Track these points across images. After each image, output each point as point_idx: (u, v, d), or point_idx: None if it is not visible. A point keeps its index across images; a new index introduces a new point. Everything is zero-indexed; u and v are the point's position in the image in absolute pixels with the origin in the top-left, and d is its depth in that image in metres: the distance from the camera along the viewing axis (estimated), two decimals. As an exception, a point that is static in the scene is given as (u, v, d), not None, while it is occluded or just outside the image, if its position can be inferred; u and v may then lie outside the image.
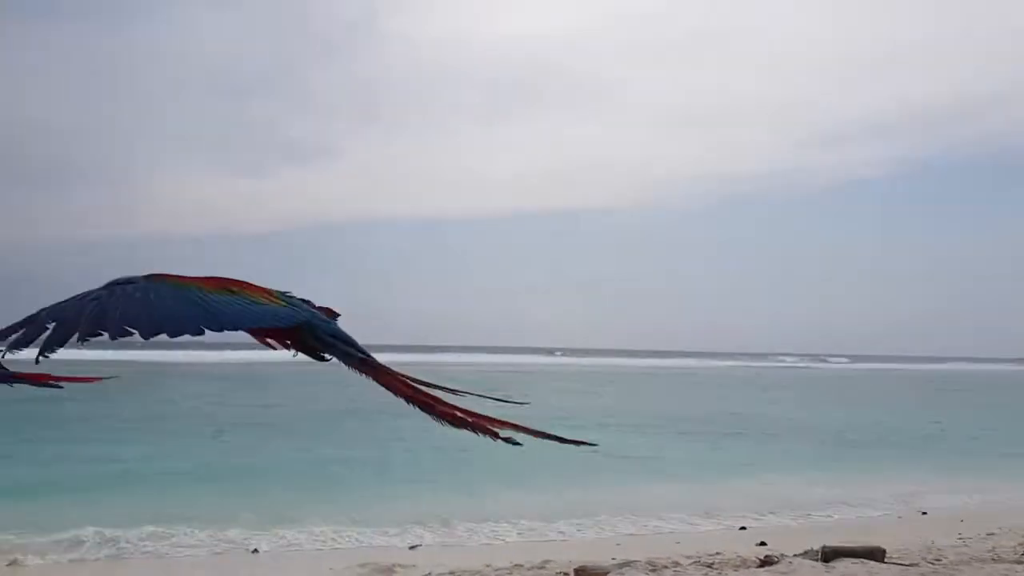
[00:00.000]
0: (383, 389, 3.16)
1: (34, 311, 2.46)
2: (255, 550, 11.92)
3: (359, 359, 3.02)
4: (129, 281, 2.46)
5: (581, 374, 71.51)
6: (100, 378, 6.17)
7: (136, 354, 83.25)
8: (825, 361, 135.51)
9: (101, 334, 2.32)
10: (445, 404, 2.93)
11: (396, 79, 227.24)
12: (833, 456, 22.84)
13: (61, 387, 6.17)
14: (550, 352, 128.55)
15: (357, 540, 12.61)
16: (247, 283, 2.76)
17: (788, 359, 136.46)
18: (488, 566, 10.40)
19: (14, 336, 2.37)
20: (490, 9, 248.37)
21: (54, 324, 2.34)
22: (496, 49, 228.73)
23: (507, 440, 2.93)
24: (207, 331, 2.49)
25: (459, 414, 2.91)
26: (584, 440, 3.19)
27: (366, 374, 3.06)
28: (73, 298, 2.46)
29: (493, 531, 13.40)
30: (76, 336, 2.30)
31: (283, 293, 2.90)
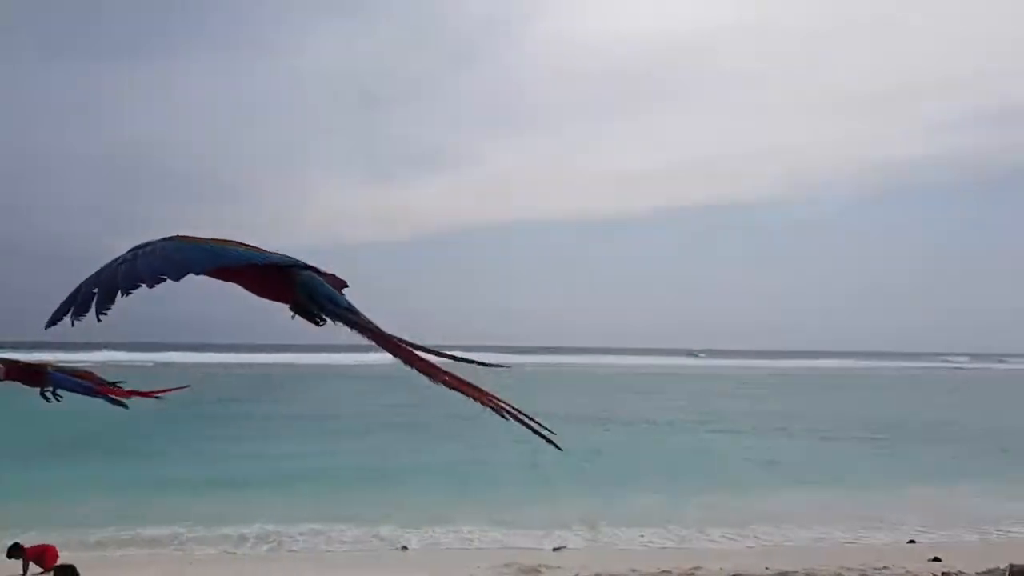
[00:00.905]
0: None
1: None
2: (405, 547, 12.29)
3: (359, 324, 3.06)
4: (147, 243, 2.73)
5: (730, 377, 68.88)
6: (166, 391, 6.68)
7: (284, 357, 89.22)
8: (1003, 361, 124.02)
9: (139, 286, 2.57)
10: (442, 370, 3.07)
11: (530, 81, 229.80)
12: (1015, 466, 20.75)
13: (126, 407, 6.81)
14: (692, 354, 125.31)
15: (502, 541, 12.71)
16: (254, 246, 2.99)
17: (959, 359, 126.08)
18: (634, 571, 10.16)
19: (70, 309, 2.59)
20: (624, 5, 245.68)
21: (97, 289, 2.56)
22: (631, 44, 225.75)
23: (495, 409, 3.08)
24: (216, 268, 2.81)
25: (454, 381, 3.06)
26: (549, 438, 3.08)
27: (368, 339, 3.11)
28: (103, 266, 2.71)
29: (640, 535, 13.11)
30: (120, 292, 2.54)
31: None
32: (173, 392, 6.76)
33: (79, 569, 9.51)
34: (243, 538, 12.60)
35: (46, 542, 11.08)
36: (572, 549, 12.31)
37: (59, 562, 10.56)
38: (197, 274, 2.73)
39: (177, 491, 15.79)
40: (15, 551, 10.64)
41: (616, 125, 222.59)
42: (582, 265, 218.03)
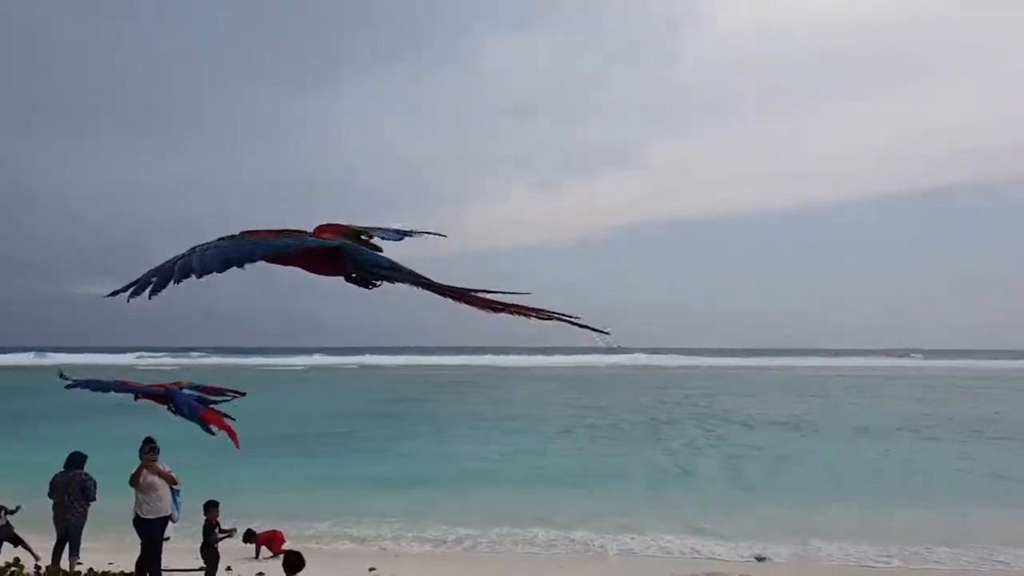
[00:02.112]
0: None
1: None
2: (602, 552, 12.15)
3: (405, 278, 3.35)
4: (204, 244, 3.09)
5: (945, 379, 62.23)
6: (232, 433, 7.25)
7: (483, 359, 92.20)
8: None
9: (189, 276, 2.90)
10: (486, 300, 3.31)
11: (696, 74, 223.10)
12: None
13: (213, 433, 7.38)
14: (904, 353, 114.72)
15: (701, 549, 12.20)
16: (303, 231, 3.31)
17: None
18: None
19: (129, 288, 2.97)
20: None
21: (155, 277, 2.92)
22: (803, 32, 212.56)
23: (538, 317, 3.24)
24: (260, 260, 3.10)
25: (499, 305, 3.31)
26: (601, 329, 3.17)
27: (423, 288, 3.38)
28: (167, 260, 3.08)
29: (850, 549, 12.08)
30: (172, 281, 2.87)
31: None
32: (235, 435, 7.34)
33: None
34: (441, 537, 13.01)
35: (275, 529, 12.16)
36: (776, 562, 11.62)
37: (285, 547, 11.56)
38: (240, 266, 3.04)
39: (378, 489, 16.61)
40: (249, 536, 11.76)
41: (808, 111, 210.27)
42: (771, 260, 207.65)
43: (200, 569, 9.82)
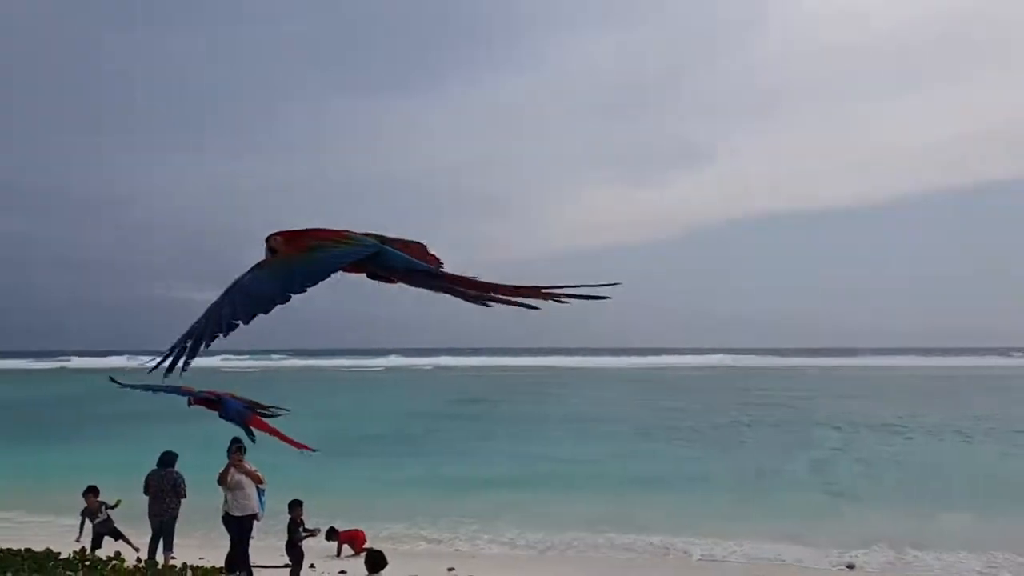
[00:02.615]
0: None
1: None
2: (684, 556, 11.87)
3: (432, 278, 3.40)
4: (238, 281, 3.02)
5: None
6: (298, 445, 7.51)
7: (555, 360, 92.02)
8: None
9: (218, 336, 2.82)
10: (507, 289, 3.36)
11: (785, 66, 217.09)
12: None
13: (253, 440, 7.65)
14: (1004, 352, 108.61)
15: (785, 556, 11.77)
16: (328, 232, 3.28)
17: None
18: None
19: (170, 358, 2.90)
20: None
21: (191, 340, 2.85)
22: (895, 20, 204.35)
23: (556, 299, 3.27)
24: (293, 295, 3.00)
25: (521, 292, 3.34)
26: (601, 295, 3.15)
27: (443, 290, 3.42)
28: (208, 312, 3.00)
29: (949, 559, 11.47)
30: (205, 343, 2.80)
31: (364, 235, 3.43)
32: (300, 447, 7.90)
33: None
34: (517, 539, 12.92)
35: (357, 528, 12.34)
36: (867, 571, 11.14)
37: (367, 546, 11.72)
38: (267, 312, 2.97)
39: (454, 490, 16.66)
40: (331, 534, 11.98)
41: (897, 100, 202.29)
42: (861, 254, 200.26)
43: (285, 566, 10.05)
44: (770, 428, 27.51)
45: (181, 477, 10.11)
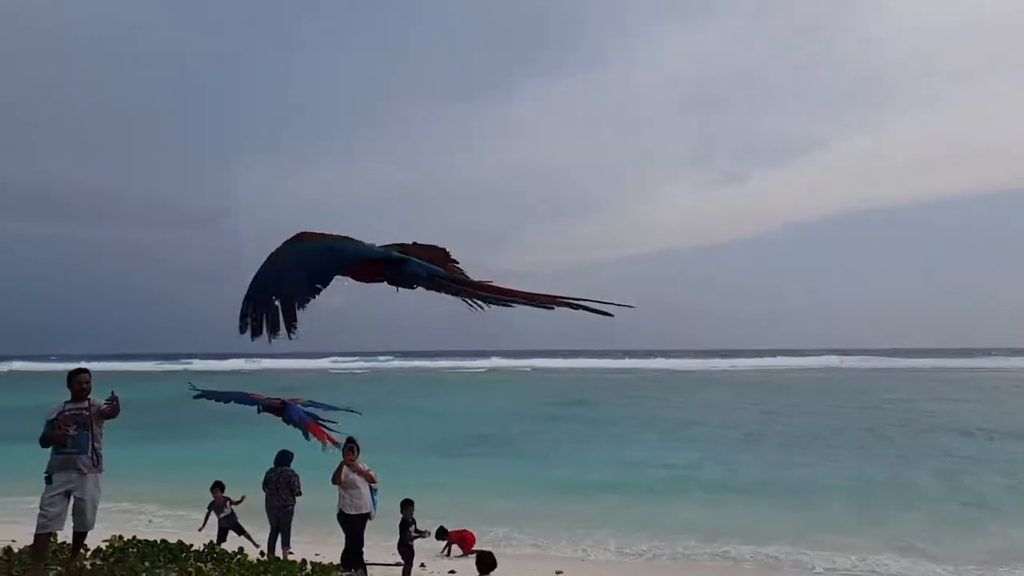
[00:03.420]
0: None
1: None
2: (804, 569, 11.31)
3: (445, 282, 3.81)
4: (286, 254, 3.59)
5: None
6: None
7: (654, 362, 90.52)
8: None
9: (309, 299, 3.49)
10: (520, 293, 3.64)
11: (893, 50, 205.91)
12: None
13: (308, 439, 8.18)
14: None
15: (914, 572, 11.10)
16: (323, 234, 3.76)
17: None
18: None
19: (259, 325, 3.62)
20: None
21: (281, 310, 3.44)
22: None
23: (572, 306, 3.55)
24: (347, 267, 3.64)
25: (536, 299, 3.66)
26: (604, 311, 3.37)
27: (463, 295, 3.83)
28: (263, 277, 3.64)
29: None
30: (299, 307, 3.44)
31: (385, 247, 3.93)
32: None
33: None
34: (624, 546, 12.67)
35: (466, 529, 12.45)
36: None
37: (476, 547, 11.83)
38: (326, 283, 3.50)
39: (559, 493, 16.56)
40: (441, 534, 12.14)
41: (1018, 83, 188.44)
42: (978, 249, 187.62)
43: (397, 564, 10.24)
44: (892, 433, 26.04)
45: (296, 475, 10.48)
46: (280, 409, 8.26)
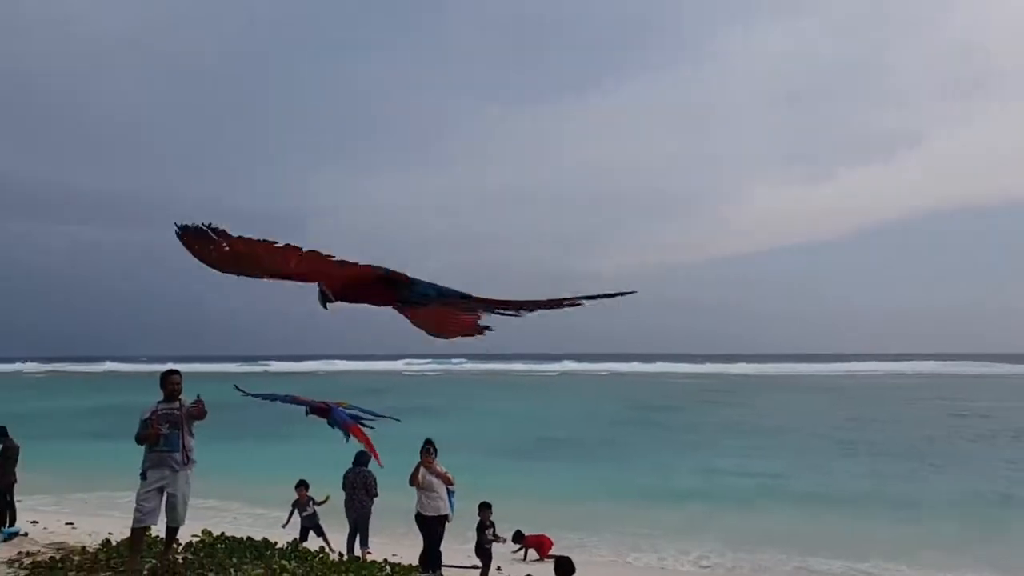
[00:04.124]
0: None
1: None
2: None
3: (455, 300, 3.95)
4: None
5: None
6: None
7: (735, 367, 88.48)
8: None
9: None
10: (513, 303, 3.79)
11: (992, 42, 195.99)
12: None
13: (347, 440, 8.46)
14: None
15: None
16: (366, 267, 3.77)
17: None
18: None
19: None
20: None
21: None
22: None
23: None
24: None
25: (525, 306, 3.80)
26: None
27: (468, 311, 4.07)
28: None
29: None
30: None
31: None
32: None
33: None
34: (704, 556, 12.32)
35: (543, 534, 12.36)
36: None
37: (552, 552, 11.74)
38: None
39: (638, 500, 16.27)
40: (518, 537, 12.09)
41: None
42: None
43: (474, 567, 10.25)
44: (999, 444, 24.68)
45: (373, 476, 10.60)
46: (325, 411, 8.62)
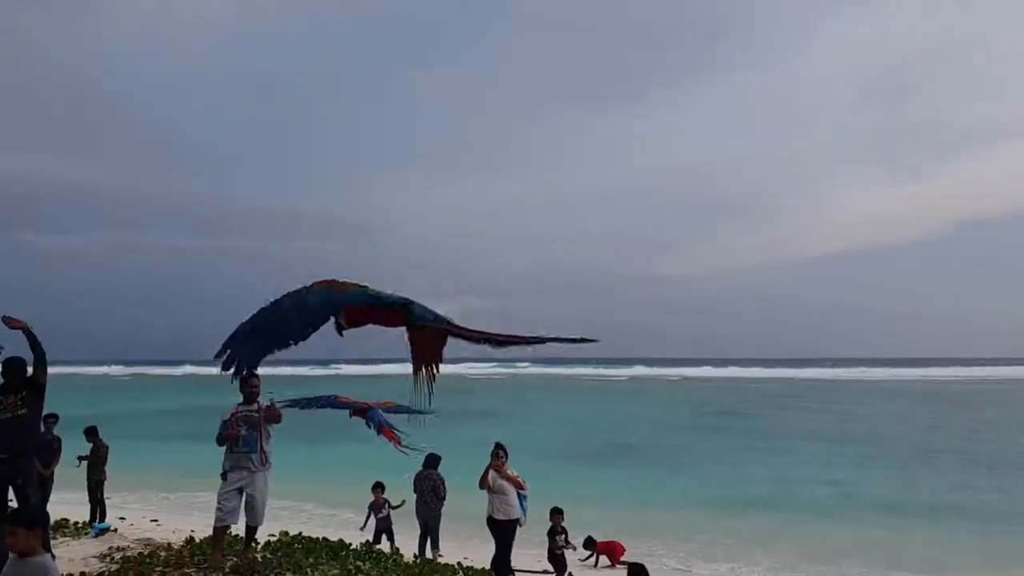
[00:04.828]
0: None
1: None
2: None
3: (447, 325, 4.25)
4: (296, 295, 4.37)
5: None
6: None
7: (807, 371, 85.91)
8: None
9: (289, 346, 4.27)
10: (509, 337, 3.99)
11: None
12: None
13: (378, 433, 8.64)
14: None
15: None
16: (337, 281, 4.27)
17: None
18: None
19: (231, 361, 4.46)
20: None
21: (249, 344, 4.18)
22: None
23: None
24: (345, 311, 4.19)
25: (518, 340, 4.11)
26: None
27: (459, 336, 4.22)
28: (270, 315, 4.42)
29: None
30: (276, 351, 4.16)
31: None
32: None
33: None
34: (777, 567, 11.95)
35: (615, 540, 12.18)
36: None
37: (624, 558, 11.57)
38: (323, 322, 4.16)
39: (711, 508, 15.93)
40: (589, 543, 11.95)
41: None
42: None
43: (545, 572, 10.17)
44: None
45: (442, 479, 10.63)
46: (364, 412, 8.90)
